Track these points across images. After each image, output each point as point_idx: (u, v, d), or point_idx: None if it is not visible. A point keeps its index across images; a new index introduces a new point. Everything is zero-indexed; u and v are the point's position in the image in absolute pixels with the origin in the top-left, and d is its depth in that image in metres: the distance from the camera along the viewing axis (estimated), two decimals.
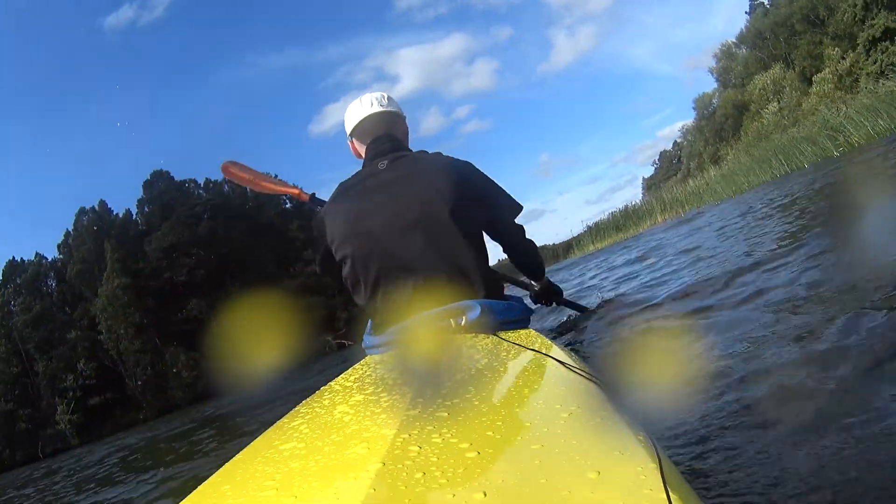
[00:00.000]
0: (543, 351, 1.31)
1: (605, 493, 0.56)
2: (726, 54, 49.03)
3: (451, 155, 2.07)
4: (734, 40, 48.92)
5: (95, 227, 48.46)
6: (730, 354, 2.56)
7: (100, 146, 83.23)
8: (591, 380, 1.10)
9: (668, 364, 1.34)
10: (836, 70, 35.17)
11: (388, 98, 2.19)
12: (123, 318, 43.09)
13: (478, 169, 2.07)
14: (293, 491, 0.64)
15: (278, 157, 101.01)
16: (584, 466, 0.62)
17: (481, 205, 2.00)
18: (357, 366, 1.47)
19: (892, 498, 1.44)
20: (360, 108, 2.15)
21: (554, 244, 48.27)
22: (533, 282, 2.88)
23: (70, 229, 50.36)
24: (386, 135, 2.11)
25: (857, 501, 1.40)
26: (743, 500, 1.64)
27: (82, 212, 50.94)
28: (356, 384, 1.17)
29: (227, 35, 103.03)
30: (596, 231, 34.62)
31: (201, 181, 57.15)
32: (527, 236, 2.36)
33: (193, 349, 44.82)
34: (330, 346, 40.64)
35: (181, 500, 0.68)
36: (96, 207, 51.56)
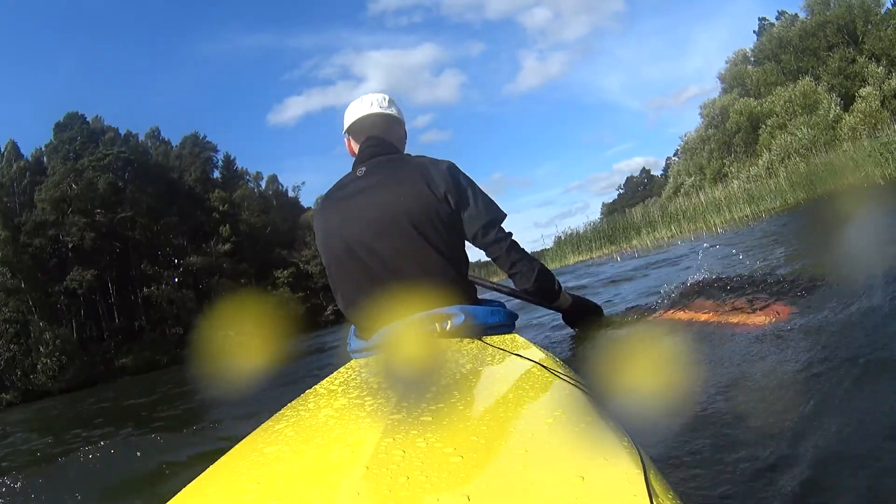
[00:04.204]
0: (528, 356, 1.42)
1: (589, 497, 0.64)
2: (741, 59, 49.68)
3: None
4: (750, 48, 49.91)
5: None
6: (715, 360, 2.75)
7: (54, 91, 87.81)
8: (575, 385, 1.21)
9: (654, 369, 1.45)
10: (882, 90, 35.97)
11: (390, 100, 2.42)
12: None
13: (457, 171, 2.22)
14: (277, 494, 0.72)
15: (233, 138, 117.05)
16: (568, 471, 0.71)
17: (454, 210, 2.15)
18: (342, 369, 1.58)
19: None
20: (359, 106, 2.40)
21: None
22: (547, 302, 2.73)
23: None
24: (378, 138, 2.31)
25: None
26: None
27: None
28: (341, 388, 1.27)
29: (206, 6, 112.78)
30: (577, 242, 35.22)
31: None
32: (514, 248, 2.37)
33: (66, 327, 43.13)
34: (231, 342, 36.90)
35: (165, 502, 0.74)
36: None
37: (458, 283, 2.07)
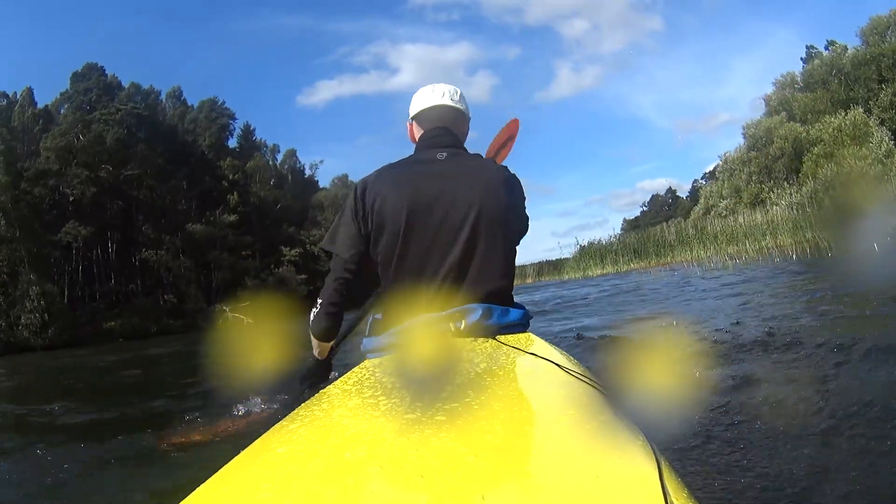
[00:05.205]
0: (543, 355, 1.45)
1: (604, 496, 0.65)
2: (789, 83, 49.55)
3: None
4: (799, 73, 49.86)
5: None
6: (730, 363, 2.80)
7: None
8: (590, 384, 1.22)
9: (670, 369, 1.47)
10: None
11: (461, 95, 2.45)
12: None
13: (520, 182, 2.30)
14: (291, 494, 0.73)
15: (260, 117, 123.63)
16: (583, 470, 0.72)
17: (516, 220, 2.25)
18: (356, 369, 1.62)
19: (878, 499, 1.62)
20: (430, 95, 2.42)
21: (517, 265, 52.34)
22: None
23: None
24: (447, 129, 2.35)
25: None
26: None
27: None
28: (355, 388, 1.30)
29: None
30: (602, 253, 35.45)
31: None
32: None
33: (54, 282, 43.18)
34: (225, 319, 39.40)
35: (178, 503, 0.75)
36: (9, 94, 49.90)
37: (507, 290, 2.12)
